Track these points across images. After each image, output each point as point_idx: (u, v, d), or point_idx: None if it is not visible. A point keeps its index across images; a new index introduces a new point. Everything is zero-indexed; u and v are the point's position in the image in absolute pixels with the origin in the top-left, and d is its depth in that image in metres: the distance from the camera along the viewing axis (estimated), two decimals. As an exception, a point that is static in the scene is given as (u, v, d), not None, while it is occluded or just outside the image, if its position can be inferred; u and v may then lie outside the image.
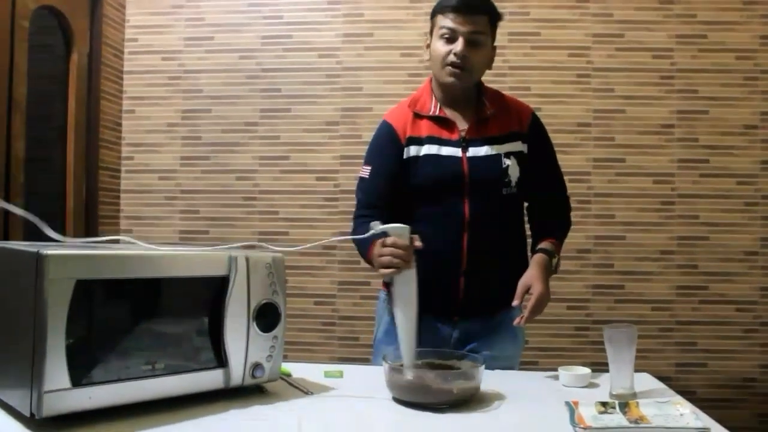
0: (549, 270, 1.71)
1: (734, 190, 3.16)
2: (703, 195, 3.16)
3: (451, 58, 1.68)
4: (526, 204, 1.87)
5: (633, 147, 3.19)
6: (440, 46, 1.70)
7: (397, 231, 1.46)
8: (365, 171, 1.80)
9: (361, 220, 1.75)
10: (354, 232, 1.76)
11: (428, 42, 1.77)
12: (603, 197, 3.20)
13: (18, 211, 1.22)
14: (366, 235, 1.49)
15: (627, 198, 3.19)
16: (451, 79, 1.71)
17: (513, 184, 1.73)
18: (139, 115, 3.42)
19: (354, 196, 1.86)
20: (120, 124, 3.40)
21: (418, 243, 1.46)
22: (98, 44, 3.17)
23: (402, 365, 1.39)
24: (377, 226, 1.46)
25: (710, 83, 3.18)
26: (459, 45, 1.67)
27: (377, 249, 1.50)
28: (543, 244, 1.76)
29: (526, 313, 1.60)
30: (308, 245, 1.64)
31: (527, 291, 1.64)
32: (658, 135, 3.19)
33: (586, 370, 1.54)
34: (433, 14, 1.75)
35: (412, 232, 1.47)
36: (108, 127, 3.28)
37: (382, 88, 3.28)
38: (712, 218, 3.16)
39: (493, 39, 1.76)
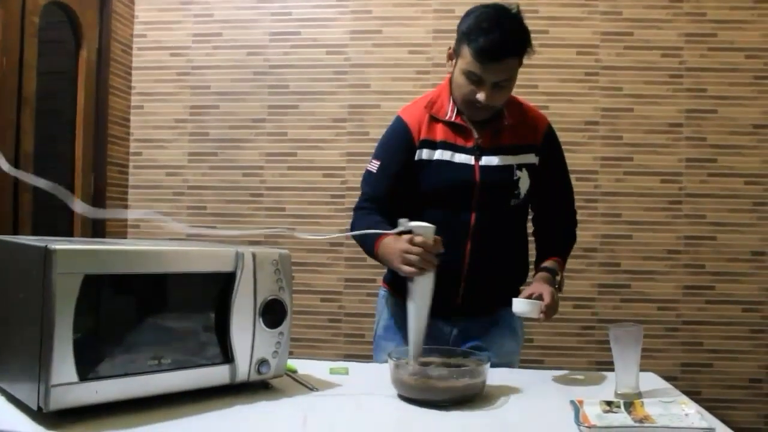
0: (553, 285, 1.70)
1: (742, 189, 3.14)
2: (710, 194, 3.15)
3: (475, 100, 1.61)
4: (531, 214, 1.86)
5: (640, 146, 3.18)
6: (464, 83, 1.62)
7: (425, 231, 1.44)
8: (373, 165, 1.76)
9: (363, 212, 1.74)
10: (354, 223, 1.74)
11: (450, 52, 1.68)
12: (610, 196, 3.19)
13: (41, 183, 1.16)
14: (394, 231, 1.47)
15: (634, 197, 3.18)
16: (470, 113, 1.68)
17: (522, 195, 1.72)
18: (147, 111, 3.43)
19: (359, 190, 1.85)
20: (128, 120, 3.41)
21: (441, 248, 1.45)
22: (107, 40, 3.18)
23: (406, 361, 1.40)
24: (406, 223, 1.44)
25: (719, 82, 3.16)
26: (484, 94, 1.59)
27: (403, 245, 1.46)
28: (547, 263, 1.75)
29: (543, 306, 1.55)
30: (334, 234, 1.65)
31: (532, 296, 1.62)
32: (665, 134, 3.18)
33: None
34: (460, 40, 1.61)
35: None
36: (116, 123, 3.29)
37: (389, 85, 3.27)
38: (720, 218, 3.15)
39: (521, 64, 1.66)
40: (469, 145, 1.70)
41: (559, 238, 1.84)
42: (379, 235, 1.58)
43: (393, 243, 1.54)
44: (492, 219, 1.70)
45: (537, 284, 1.66)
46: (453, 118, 1.71)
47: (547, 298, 1.57)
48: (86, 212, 1.21)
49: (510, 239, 1.77)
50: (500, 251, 1.72)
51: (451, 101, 1.72)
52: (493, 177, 1.69)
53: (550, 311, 1.56)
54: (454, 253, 1.66)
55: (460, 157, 1.69)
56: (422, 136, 1.71)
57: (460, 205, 1.69)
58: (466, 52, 1.58)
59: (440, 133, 1.71)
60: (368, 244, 1.67)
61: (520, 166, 1.71)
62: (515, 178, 1.70)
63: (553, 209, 1.85)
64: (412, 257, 1.43)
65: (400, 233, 1.48)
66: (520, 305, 1.54)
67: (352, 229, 1.72)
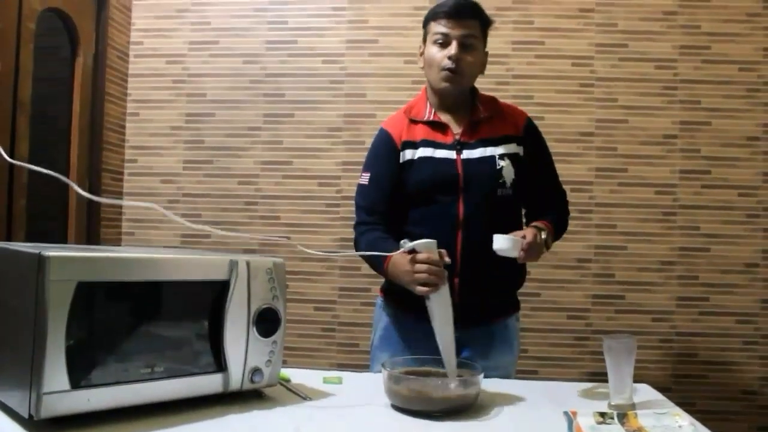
0: (539, 235, 1.66)
1: (736, 201, 3.16)
2: (704, 206, 3.16)
3: (446, 63, 1.72)
4: (524, 211, 1.88)
5: (635, 157, 3.19)
6: (434, 52, 1.75)
7: (427, 246, 1.47)
8: (364, 178, 1.83)
9: (365, 228, 1.78)
10: (358, 241, 1.78)
11: (422, 50, 1.82)
12: (604, 207, 3.19)
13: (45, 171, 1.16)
14: (397, 252, 1.52)
15: (628, 208, 3.19)
16: (445, 84, 1.75)
17: (508, 185, 1.74)
18: (143, 118, 3.42)
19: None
20: (124, 127, 3.41)
21: (447, 258, 1.49)
22: (103, 47, 3.18)
23: (403, 373, 1.40)
24: (406, 244, 1.47)
25: (713, 94, 3.18)
26: (453, 49, 1.71)
27: (409, 266, 1.52)
28: (533, 223, 1.74)
29: (524, 244, 1.56)
30: (337, 253, 1.65)
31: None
32: (660, 145, 3.19)
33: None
34: (426, 22, 1.80)
35: (406, 234, 1.49)
36: (112, 130, 3.29)
37: (385, 95, 3.28)
38: (714, 229, 3.15)
39: (485, 44, 1.81)
40: (449, 140, 1.76)
41: (550, 214, 1.81)
42: (388, 257, 1.62)
43: (401, 263, 1.58)
44: (480, 209, 1.72)
45: (522, 231, 1.65)
46: (431, 117, 1.80)
47: (529, 237, 1.59)
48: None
49: (501, 231, 1.76)
50: (491, 244, 1.71)
51: (428, 104, 1.82)
52: (475, 168, 1.73)
53: (530, 249, 1.58)
54: (446, 247, 1.67)
55: (442, 153, 1.75)
56: (403, 138, 1.79)
57: (447, 199, 1.72)
58: (431, 24, 1.77)
59: (420, 133, 1.79)
60: (377, 264, 1.71)
61: (502, 156, 1.75)
62: (498, 167, 1.74)
63: (545, 200, 1.86)
64: (422, 276, 1.48)
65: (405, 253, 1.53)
66: (500, 241, 1.53)
67: (356, 248, 1.76)
